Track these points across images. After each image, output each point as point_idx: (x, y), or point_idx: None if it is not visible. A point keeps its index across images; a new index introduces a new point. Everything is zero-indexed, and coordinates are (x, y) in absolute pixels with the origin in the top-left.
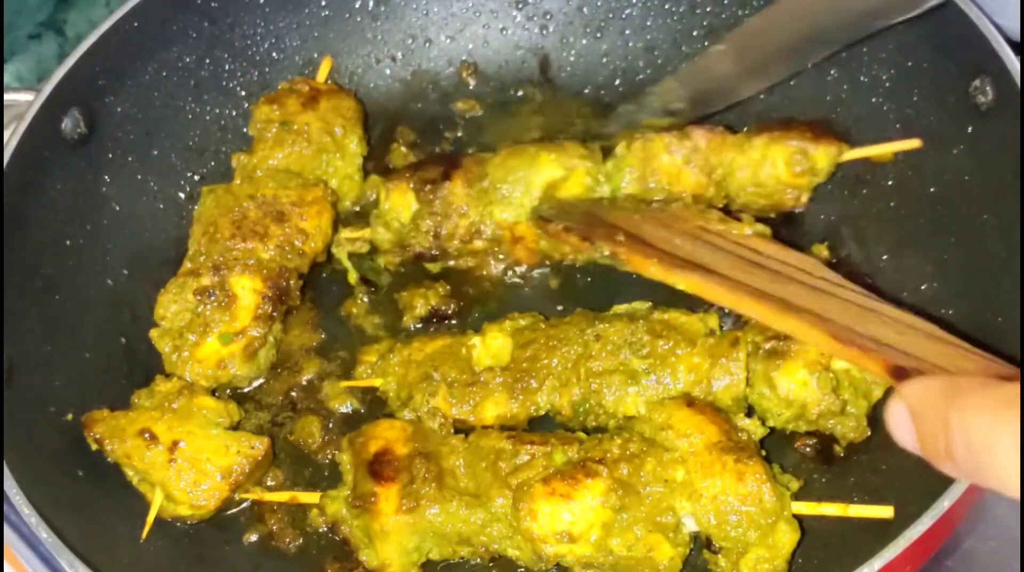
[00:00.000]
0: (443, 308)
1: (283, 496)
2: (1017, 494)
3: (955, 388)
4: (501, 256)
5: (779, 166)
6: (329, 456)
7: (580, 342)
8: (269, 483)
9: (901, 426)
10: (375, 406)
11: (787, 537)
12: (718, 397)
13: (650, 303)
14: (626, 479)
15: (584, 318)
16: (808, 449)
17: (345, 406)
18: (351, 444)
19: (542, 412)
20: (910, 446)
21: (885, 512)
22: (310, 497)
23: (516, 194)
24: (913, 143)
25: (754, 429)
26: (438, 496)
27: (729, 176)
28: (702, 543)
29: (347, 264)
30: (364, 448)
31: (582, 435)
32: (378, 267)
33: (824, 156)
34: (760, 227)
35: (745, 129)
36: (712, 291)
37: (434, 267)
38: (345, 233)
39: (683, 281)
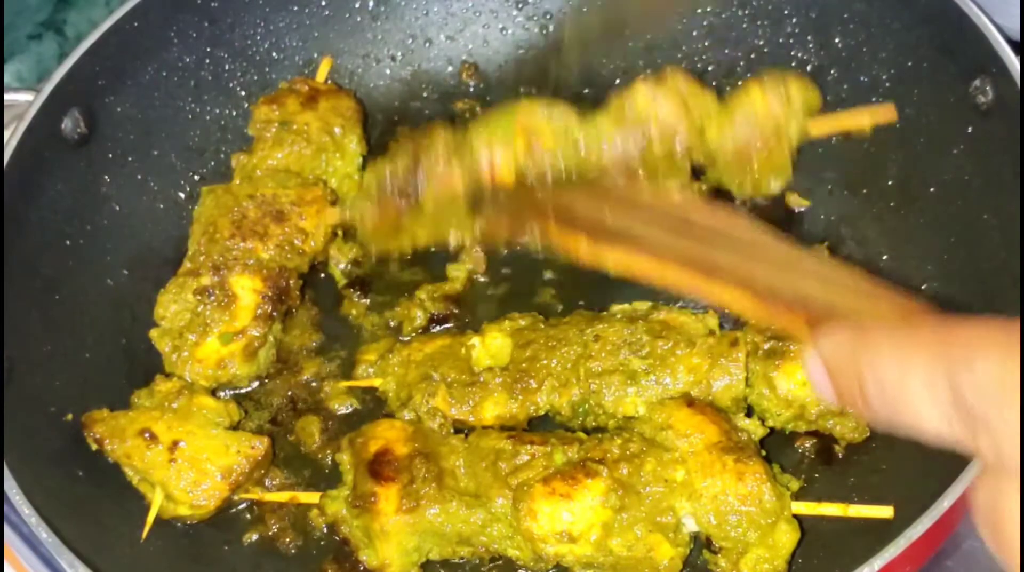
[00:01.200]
0: (442, 313)
1: (283, 496)
2: (933, 431)
3: (863, 336)
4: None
5: (756, 101)
6: (329, 456)
7: (579, 342)
8: (269, 483)
9: (819, 380)
10: (375, 406)
11: (787, 537)
12: (717, 397)
13: (650, 303)
14: (626, 479)
15: (583, 318)
16: (808, 449)
17: (345, 406)
18: (351, 444)
19: (542, 412)
20: (829, 397)
21: (885, 512)
22: (310, 497)
23: (496, 135)
24: (889, 113)
25: (754, 429)
26: (438, 496)
27: (708, 123)
28: (702, 543)
29: (337, 274)
30: (364, 448)
31: (582, 435)
32: (377, 268)
33: (798, 87)
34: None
35: None
36: (639, 265)
37: (421, 226)
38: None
39: (610, 258)
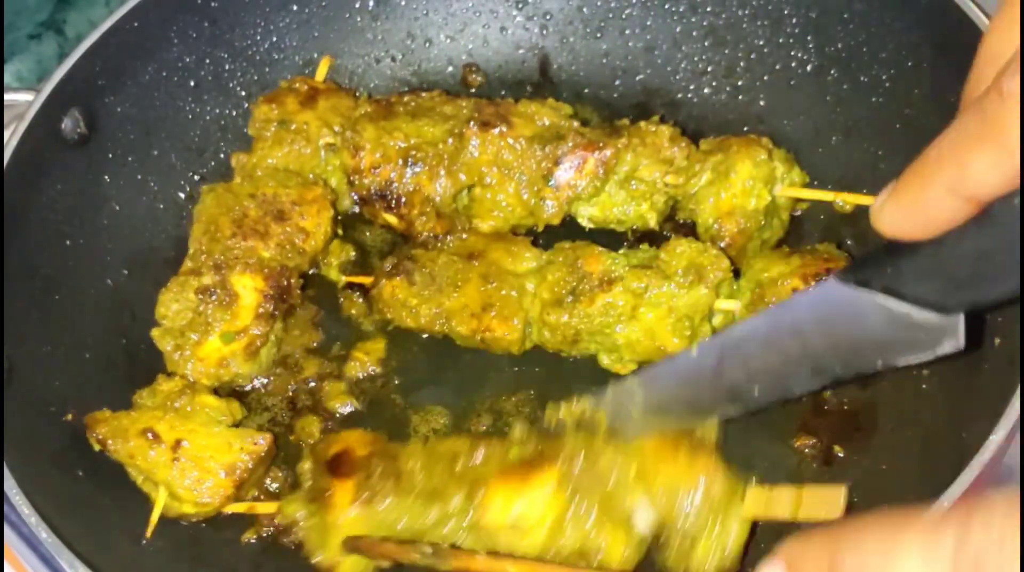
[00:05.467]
0: None
1: (243, 507)
2: None
3: (835, 534)
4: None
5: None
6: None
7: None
8: (274, 486)
9: None
10: (375, 406)
11: (739, 523)
12: None
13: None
14: (581, 472)
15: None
16: (808, 449)
17: (345, 406)
18: (312, 451)
19: None
20: None
21: (834, 498)
22: (269, 506)
23: None
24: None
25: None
26: (394, 491)
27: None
28: (654, 544)
29: (336, 275)
30: (324, 451)
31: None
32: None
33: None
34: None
35: None
36: None
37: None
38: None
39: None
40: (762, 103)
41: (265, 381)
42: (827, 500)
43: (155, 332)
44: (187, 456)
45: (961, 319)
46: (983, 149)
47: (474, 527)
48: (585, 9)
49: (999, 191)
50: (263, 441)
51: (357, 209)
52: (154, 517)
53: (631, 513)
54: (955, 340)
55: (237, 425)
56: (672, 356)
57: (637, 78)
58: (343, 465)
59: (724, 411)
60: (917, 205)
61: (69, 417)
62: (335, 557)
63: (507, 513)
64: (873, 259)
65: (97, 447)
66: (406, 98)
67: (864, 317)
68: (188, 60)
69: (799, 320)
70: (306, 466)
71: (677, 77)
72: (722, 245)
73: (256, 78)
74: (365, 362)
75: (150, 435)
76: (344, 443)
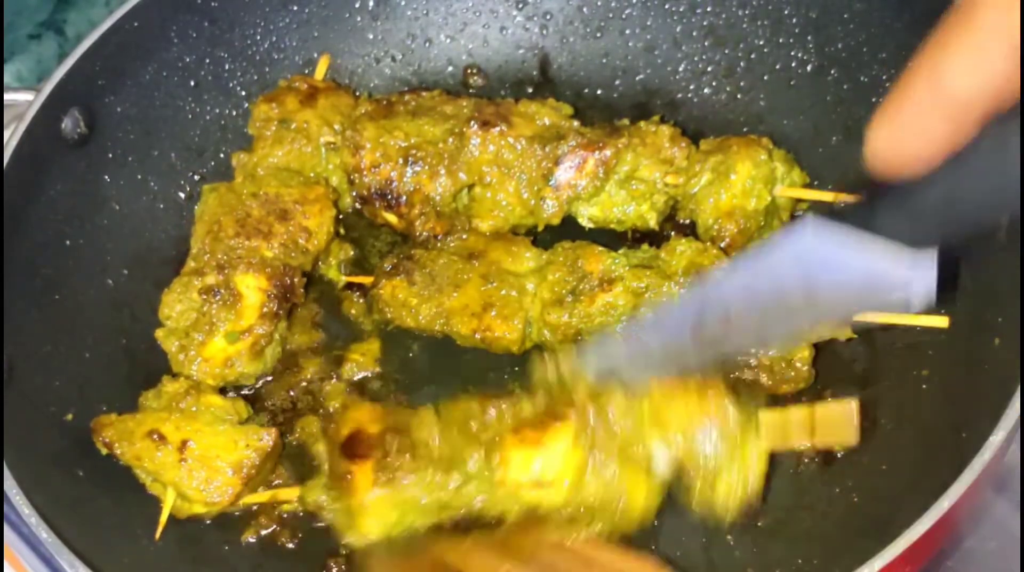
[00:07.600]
0: None
1: (264, 496)
2: None
3: None
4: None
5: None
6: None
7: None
8: (276, 482)
9: None
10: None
11: (757, 456)
12: None
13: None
14: (594, 423)
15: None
16: (807, 449)
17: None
18: (324, 433)
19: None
20: None
21: (848, 427)
22: (290, 493)
23: None
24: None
25: None
26: (412, 466)
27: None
28: (677, 486)
29: (336, 274)
30: (337, 433)
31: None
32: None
33: (783, 162)
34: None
35: None
36: None
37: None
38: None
39: None
40: (762, 103)
41: (266, 381)
42: (841, 421)
43: (159, 332)
44: (194, 456)
45: (933, 254)
46: (957, 47)
47: (498, 486)
48: (585, 9)
49: (978, 97)
50: (268, 437)
51: (358, 205)
52: (163, 519)
53: (650, 457)
54: (926, 282)
55: (243, 424)
56: (656, 309)
57: (637, 78)
58: (358, 446)
59: (705, 361)
60: (900, 121)
61: (69, 417)
62: (367, 535)
63: (527, 470)
64: (850, 205)
65: (104, 451)
66: (406, 97)
67: (835, 254)
68: (188, 60)
69: (776, 262)
70: (320, 448)
71: (677, 77)
72: (722, 245)
73: (256, 78)
74: (362, 363)
75: (156, 437)
76: (355, 423)
